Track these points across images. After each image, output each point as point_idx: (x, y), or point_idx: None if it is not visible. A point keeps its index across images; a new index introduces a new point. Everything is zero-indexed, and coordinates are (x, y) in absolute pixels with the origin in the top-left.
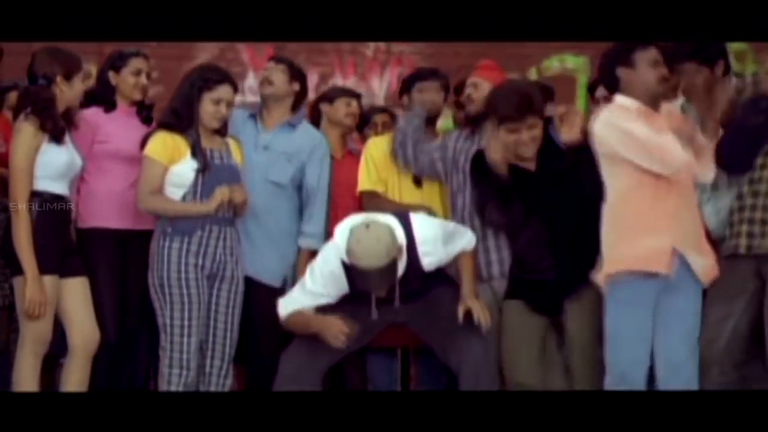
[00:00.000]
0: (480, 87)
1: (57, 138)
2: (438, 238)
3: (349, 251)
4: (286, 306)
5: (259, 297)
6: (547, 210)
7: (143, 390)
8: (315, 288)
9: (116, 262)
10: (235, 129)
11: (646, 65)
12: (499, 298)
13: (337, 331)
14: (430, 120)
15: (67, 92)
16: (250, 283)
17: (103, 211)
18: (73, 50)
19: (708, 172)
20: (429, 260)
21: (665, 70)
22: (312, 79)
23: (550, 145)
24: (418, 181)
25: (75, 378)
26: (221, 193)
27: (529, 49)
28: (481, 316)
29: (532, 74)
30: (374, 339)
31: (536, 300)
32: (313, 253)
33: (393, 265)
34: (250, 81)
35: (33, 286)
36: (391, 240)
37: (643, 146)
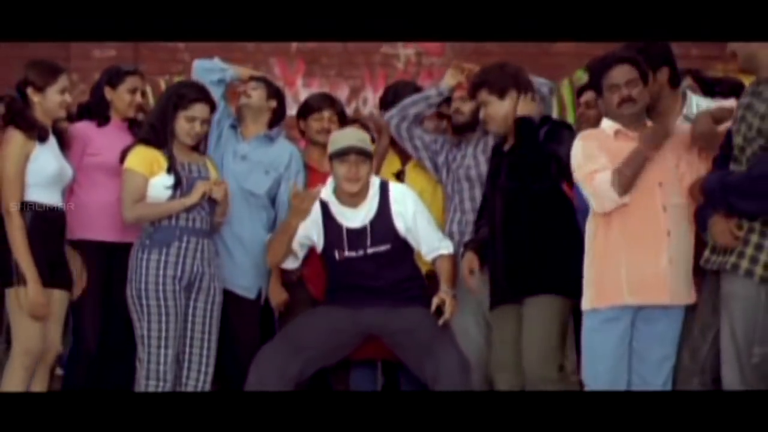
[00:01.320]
0: (468, 100)
1: (42, 138)
2: (408, 196)
3: (329, 144)
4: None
5: (235, 309)
6: (507, 191)
7: (121, 390)
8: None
9: (102, 273)
10: (217, 130)
11: (607, 90)
12: (485, 310)
13: (300, 203)
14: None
15: (43, 103)
16: (226, 294)
17: (92, 223)
18: (110, 48)
19: None
20: (396, 209)
21: (627, 91)
22: (343, 92)
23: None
24: None
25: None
26: (203, 186)
27: (562, 59)
28: (447, 307)
29: (565, 85)
30: (354, 352)
31: (494, 295)
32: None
33: (365, 155)
34: None
35: (35, 288)
36: (366, 136)
37: (583, 181)
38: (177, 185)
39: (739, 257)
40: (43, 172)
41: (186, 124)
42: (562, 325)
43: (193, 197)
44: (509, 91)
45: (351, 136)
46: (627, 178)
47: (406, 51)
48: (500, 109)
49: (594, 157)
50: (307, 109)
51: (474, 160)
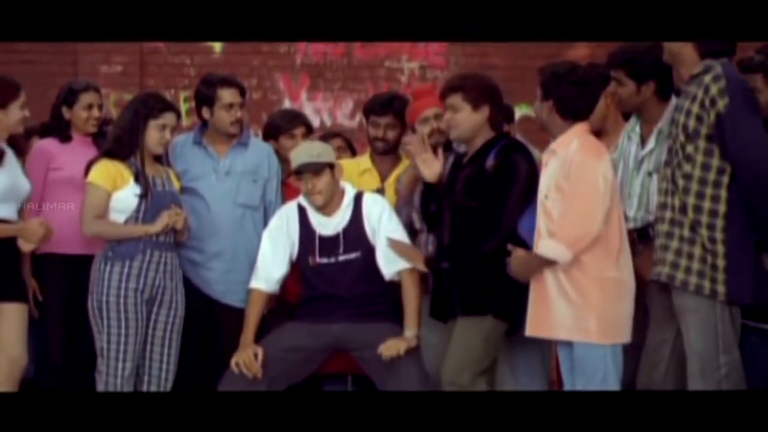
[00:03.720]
0: (442, 116)
1: None
2: (379, 202)
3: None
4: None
5: (229, 320)
6: (457, 205)
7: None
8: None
9: (68, 286)
10: (182, 156)
11: None
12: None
13: (247, 359)
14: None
15: (4, 119)
16: (220, 307)
17: (58, 237)
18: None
19: None
20: (368, 214)
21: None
22: (347, 106)
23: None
24: None
25: None
26: (168, 215)
27: None
28: (401, 351)
29: None
30: (322, 366)
31: (433, 310)
32: None
33: (319, 167)
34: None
35: None
36: (327, 149)
37: None
38: (145, 194)
39: (686, 273)
40: None
41: (157, 133)
42: (485, 342)
43: (157, 227)
44: (483, 105)
45: (302, 154)
46: None
47: (409, 65)
48: (470, 119)
49: None
50: (276, 130)
51: None
